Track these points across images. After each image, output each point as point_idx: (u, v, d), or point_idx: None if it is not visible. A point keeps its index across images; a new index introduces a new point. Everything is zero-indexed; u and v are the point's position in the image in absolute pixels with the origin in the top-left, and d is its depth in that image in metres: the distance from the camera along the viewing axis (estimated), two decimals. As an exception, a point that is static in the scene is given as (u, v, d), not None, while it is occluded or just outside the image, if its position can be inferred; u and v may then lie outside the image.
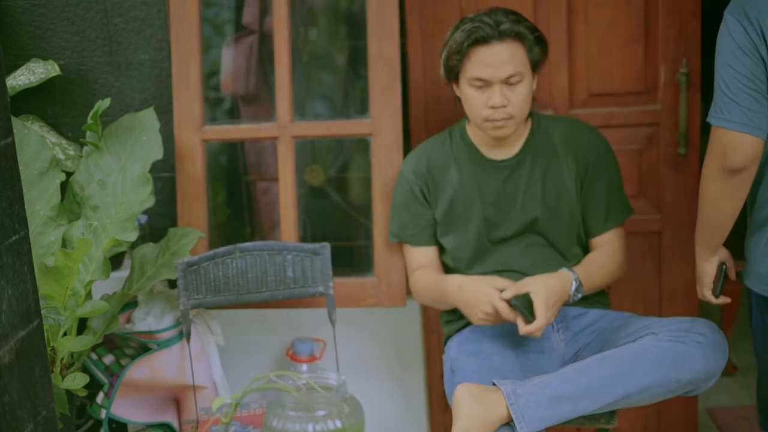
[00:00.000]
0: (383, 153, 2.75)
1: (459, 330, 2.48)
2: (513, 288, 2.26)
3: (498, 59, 2.30)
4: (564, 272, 2.33)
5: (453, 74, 2.38)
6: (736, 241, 3.83)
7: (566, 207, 2.43)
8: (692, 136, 2.81)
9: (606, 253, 2.44)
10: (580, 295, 2.33)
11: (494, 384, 2.13)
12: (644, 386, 2.09)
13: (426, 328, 2.96)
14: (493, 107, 2.32)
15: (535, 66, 2.36)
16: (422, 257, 2.55)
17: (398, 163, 2.74)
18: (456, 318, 2.51)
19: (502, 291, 2.27)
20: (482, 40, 2.30)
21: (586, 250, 2.49)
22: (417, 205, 2.52)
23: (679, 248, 2.88)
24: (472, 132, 2.48)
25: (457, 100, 2.44)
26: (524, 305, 2.21)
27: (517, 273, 2.41)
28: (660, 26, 2.78)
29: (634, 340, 2.19)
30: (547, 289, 2.24)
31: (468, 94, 2.36)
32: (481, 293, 2.28)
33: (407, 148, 2.90)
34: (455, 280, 2.40)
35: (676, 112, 2.80)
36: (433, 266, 2.54)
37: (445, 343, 2.56)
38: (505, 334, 2.39)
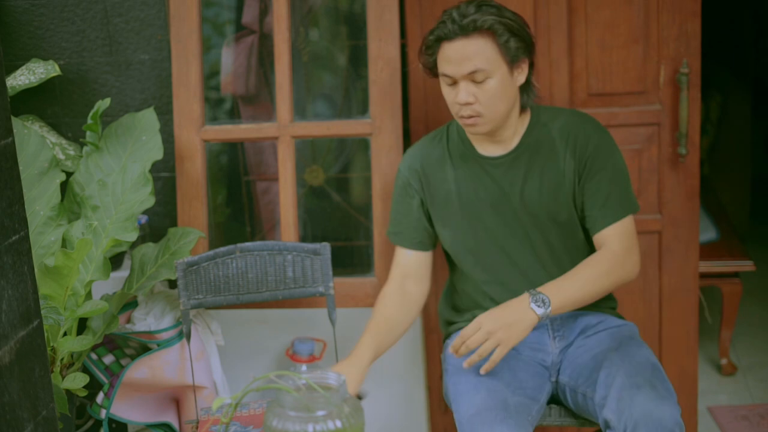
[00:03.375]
0: (383, 153, 2.75)
1: (457, 330, 2.48)
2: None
3: (460, 55, 2.22)
4: (522, 296, 2.23)
5: (429, 70, 2.35)
6: (736, 241, 3.83)
7: (564, 204, 2.34)
8: (692, 136, 2.81)
9: (594, 261, 2.30)
10: (547, 308, 2.19)
11: None
12: None
13: (426, 328, 2.96)
14: (459, 104, 2.27)
15: (514, 59, 2.25)
16: (403, 259, 2.47)
17: (398, 163, 2.74)
18: (455, 320, 2.50)
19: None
20: (445, 37, 2.24)
21: (592, 247, 2.40)
22: (409, 202, 2.45)
23: (679, 248, 2.88)
24: (452, 112, 2.39)
25: None
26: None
27: (518, 269, 2.37)
28: (660, 26, 2.78)
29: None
30: (492, 313, 2.20)
31: (443, 90, 2.32)
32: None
33: (407, 148, 2.90)
34: (363, 345, 2.36)
35: (676, 112, 2.80)
36: (411, 274, 2.47)
37: (443, 340, 2.56)
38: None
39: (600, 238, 2.34)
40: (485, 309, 2.35)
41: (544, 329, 2.38)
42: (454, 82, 2.27)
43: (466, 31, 2.21)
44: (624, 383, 2.13)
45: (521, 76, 2.29)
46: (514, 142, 2.37)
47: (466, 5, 2.25)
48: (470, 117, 2.27)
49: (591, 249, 2.40)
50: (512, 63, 2.25)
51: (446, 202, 2.41)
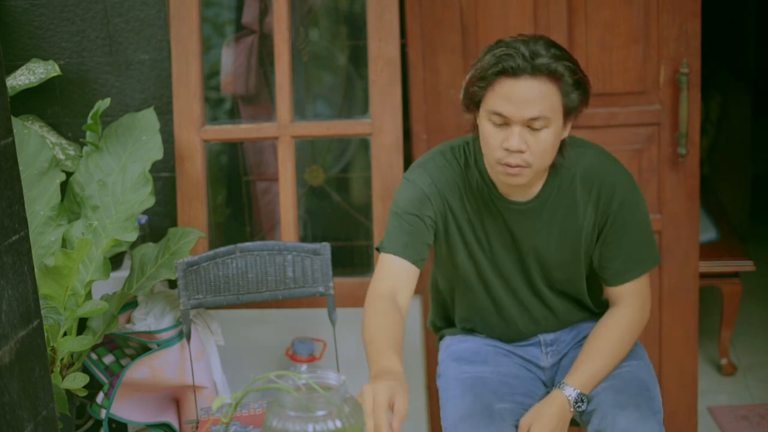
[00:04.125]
0: (383, 153, 2.75)
1: (451, 335, 2.45)
2: None
3: (524, 96, 1.97)
4: (556, 394, 2.14)
5: (473, 102, 2.06)
6: (736, 241, 3.83)
7: (576, 256, 2.20)
8: (692, 136, 2.81)
9: (613, 332, 2.18)
10: (585, 405, 2.13)
11: None
12: None
13: (426, 328, 2.96)
14: (507, 149, 2.00)
15: (570, 112, 2.03)
16: (401, 272, 2.13)
17: (398, 163, 2.74)
18: (447, 328, 2.48)
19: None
20: (511, 71, 1.97)
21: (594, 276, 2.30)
22: (422, 218, 2.16)
23: (679, 248, 2.88)
24: (486, 153, 2.12)
25: (474, 128, 2.13)
26: None
27: (517, 299, 2.27)
28: (660, 26, 2.78)
29: None
30: (543, 428, 2.10)
31: (485, 129, 2.03)
32: (378, 403, 1.81)
33: (407, 148, 2.90)
34: (386, 362, 1.94)
35: (676, 112, 2.80)
36: (404, 288, 2.13)
37: (439, 339, 2.53)
38: (493, 343, 2.34)
39: (616, 292, 2.22)
40: (481, 326, 2.33)
41: (536, 346, 2.33)
42: (504, 124, 2.01)
43: (536, 71, 1.97)
44: (609, 400, 2.11)
45: (566, 131, 2.07)
46: (536, 188, 2.15)
47: (533, 42, 2.00)
48: (517, 166, 2.02)
49: (592, 277, 2.30)
50: (567, 115, 2.04)
51: (459, 232, 2.21)
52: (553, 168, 2.13)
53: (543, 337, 2.32)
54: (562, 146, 2.10)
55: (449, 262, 2.25)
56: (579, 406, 2.13)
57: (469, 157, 2.18)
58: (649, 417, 2.08)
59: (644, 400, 2.12)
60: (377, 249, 2.19)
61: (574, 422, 2.28)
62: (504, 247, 2.20)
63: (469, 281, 2.25)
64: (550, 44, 2.01)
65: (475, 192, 2.17)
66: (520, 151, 1.99)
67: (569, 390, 2.14)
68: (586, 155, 2.16)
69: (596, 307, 2.33)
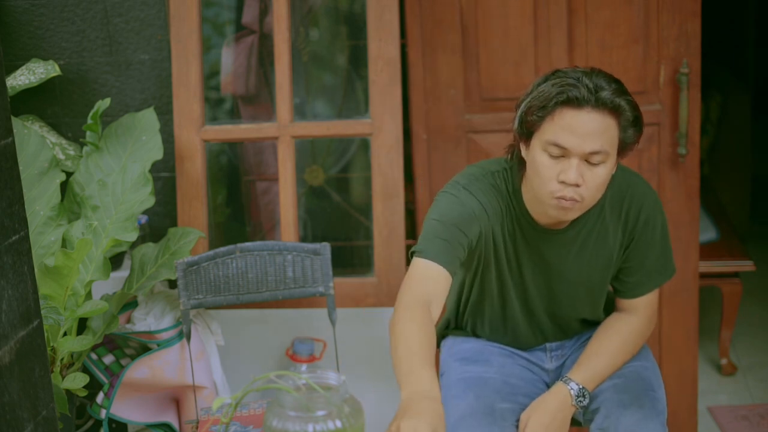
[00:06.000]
0: (383, 153, 2.75)
1: (454, 335, 2.46)
2: None
3: (587, 129, 1.93)
4: (559, 387, 2.14)
5: (528, 131, 2.00)
6: (736, 241, 3.83)
7: (607, 280, 2.20)
8: (692, 136, 2.81)
9: (621, 335, 2.19)
10: (586, 401, 2.13)
11: None
12: None
13: (426, 328, 2.96)
14: (563, 182, 1.96)
15: (624, 148, 2.00)
16: (434, 272, 2.02)
17: (398, 163, 2.74)
18: (444, 327, 2.47)
19: None
20: (575, 102, 1.93)
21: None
22: (467, 231, 2.07)
23: (680, 248, 2.88)
24: (525, 191, 2.10)
25: (514, 155, 2.10)
26: None
27: (540, 331, 2.28)
28: (660, 26, 2.78)
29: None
30: (541, 420, 2.10)
31: (538, 160, 1.98)
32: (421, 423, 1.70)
33: (407, 148, 2.90)
34: (424, 384, 1.78)
35: (676, 112, 2.80)
36: (438, 297, 2.01)
37: (439, 341, 2.53)
38: (496, 342, 2.35)
39: (628, 303, 2.23)
40: (488, 333, 2.33)
41: (543, 350, 2.34)
42: (562, 156, 1.96)
43: (600, 104, 1.94)
44: (613, 399, 2.11)
45: (615, 167, 2.04)
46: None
47: (594, 75, 1.97)
48: (571, 200, 1.97)
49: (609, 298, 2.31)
50: (621, 152, 2.01)
51: (495, 254, 2.16)
52: None
53: (548, 344, 2.34)
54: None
55: (474, 277, 2.23)
56: (580, 401, 2.14)
57: (508, 184, 2.14)
58: (653, 417, 2.09)
59: (648, 401, 2.12)
60: (412, 253, 2.08)
61: (576, 422, 2.29)
62: (534, 272, 2.18)
63: (491, 297, 2.24)
64: (611, 78, 1.99)
65: (513, 218, 2.13)
66: (577, 185, 1.96)
67: (572, 384, 2.15)
68: (614, 176, 2.09)
69: (598, 315, 2.34)
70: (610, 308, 2.33)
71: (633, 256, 2.18)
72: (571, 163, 1.95)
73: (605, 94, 1.94)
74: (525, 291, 2.22)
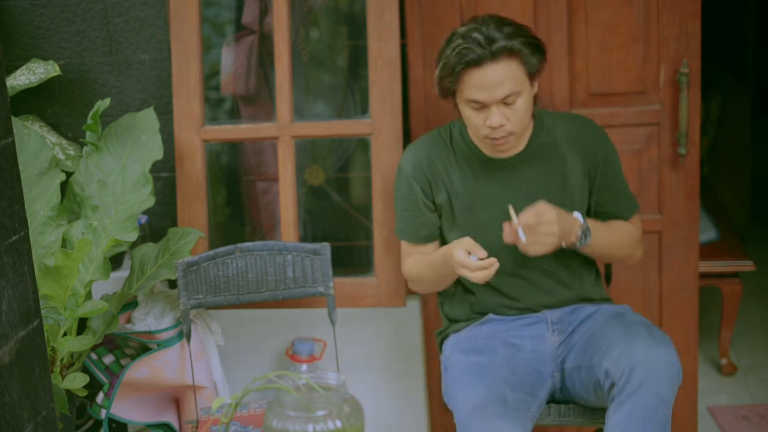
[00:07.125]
0: (383, 153, 2.75)
1: (457, 330, 2.48)
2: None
3: (492, 81, 2.19)
4: (576, 214, 2.30)
5: (449, 93, 2.30)
6: (736, 241, 3.83)
7: (568, 204, 2.35)
8: (692, 136, 2.81)
9: (626, 226, 2.44)
10: (587, 241, 2.28)
11: None
12: None
13: (426, 328, 2.96)
14: (490, 127, 2.24)
15: (534, 76, 2.26)
16: (412, 247, 2.50)
17: (398, 162, 2.73)
18: (460, 319, 2.49)
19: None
20: (474, 63, 2.19)
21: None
22: (416, 202, 2.44)
23: (679, 248, 2.88)
24: (472, 132, 2.39)
25: (456, 108, 2.36)
26: None
27: (515, 260, 2.37)
28: (660, 26, 2.78)
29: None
30: (549, 210, 2.20)
31: (466, 113, 2.29)
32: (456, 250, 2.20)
33: (408, 145, 2.90)
34: (444, 248, 2.32)
35: (676, 112, 2.80)
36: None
37: (440, 344, 2.55)
38: (500, 333, 2.38)
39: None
40: (490, 299, 2.42)
41: (543, 323, 2.40)
42: (482, 107, 2.24)
43: (496, 55, 2.18)
44: (621, 334, 2.21)
45: (535, 87, 2.30)
46: (521, 147, 2.38)
47: (485, 26, 2.20)
48: (502, 138, 2.27)
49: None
50: (533, 77, 2.26)
51: (451, 202, 2.42)
52: (535, 129, 2.38)
53: (549, 315, 2.40)
54: (535, 98, 2.32)
55: (456, 232, 2.40)
56: (582, 240, 2.27)
57: (454, 132, 2.43)
58: (664, 342, 2.18)
59: (657, 333, 2.22)
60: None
61: (588, 420, 2.28)
62: (497, 201, 2.35)
63: (477, 238, 2.33)
64: (501, 22, 2.21)
65: (463, 158, 2.40)
66: (502, 125, 2.23)
67: (582, 219, 2.29)
68: (563, 118, 2.45)
69: (596, 292, 2.45)
70: (592, 288, 2.46)
71: (605, 186, 2.41)
72: (491, 111, 2.22)
73: (499, 43, 2.17)
74: (489, 225, 2.34)
